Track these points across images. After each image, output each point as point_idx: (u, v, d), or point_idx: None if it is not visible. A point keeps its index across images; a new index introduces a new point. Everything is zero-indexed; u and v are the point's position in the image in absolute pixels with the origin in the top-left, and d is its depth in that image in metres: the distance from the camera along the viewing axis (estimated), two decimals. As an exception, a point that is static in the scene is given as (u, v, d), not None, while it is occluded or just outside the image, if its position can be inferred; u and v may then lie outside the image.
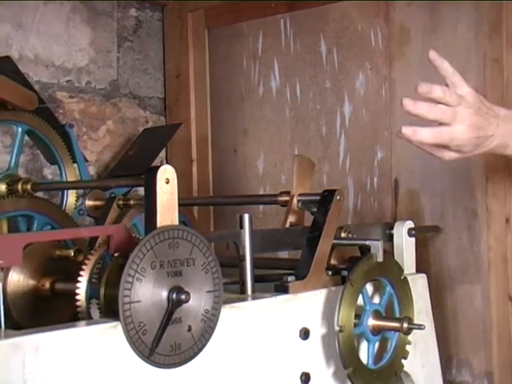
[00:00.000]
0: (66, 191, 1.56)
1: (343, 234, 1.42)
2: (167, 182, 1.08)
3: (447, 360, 1.72)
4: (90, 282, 1.13)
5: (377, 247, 1.36)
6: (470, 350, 1.76)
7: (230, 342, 1.16)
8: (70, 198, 1.57)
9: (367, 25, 1.93)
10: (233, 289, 1.25)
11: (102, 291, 1.08)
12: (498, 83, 1.71)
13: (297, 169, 1.47)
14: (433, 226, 1.78)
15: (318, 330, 1.30)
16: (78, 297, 1.13)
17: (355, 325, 1.32)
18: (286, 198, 1.46)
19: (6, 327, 0.98)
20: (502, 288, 1.71)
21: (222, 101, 2.21)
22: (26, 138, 1.59)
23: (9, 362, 0.91)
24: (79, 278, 1.13)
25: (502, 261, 1.71)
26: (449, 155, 1.30)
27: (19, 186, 1.46)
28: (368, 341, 1.36)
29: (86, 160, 1.82)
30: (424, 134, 1.23)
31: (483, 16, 1.74)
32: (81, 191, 1.60)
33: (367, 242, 1.39)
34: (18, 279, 1.25)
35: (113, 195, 1.58)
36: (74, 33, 2.12)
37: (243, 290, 1.25)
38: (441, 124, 1.24)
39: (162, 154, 2.29)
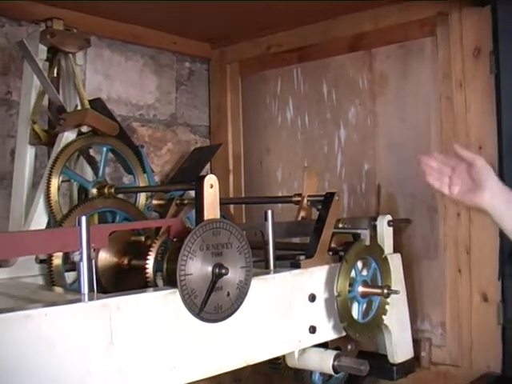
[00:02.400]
0: (138, 193, 1.56)
1: (340, 225, 1.41)
2: (211, 187, 1.08)
3: (414, 314, 1.71)
4: (156, 259, 1.13)
5: (365, 234, 1.35)
6: (430, 307, 1.76)
7: (257, 303, 1.15)
8: (142, 198, 1.57)
9: (356, 72, 1.92)
10: (259, 265, 1.24)
11: (165, 266, 1.08)
12: (450, 115, 1.71)
13: (306, 177, 1.46)
14: (405, 218, 1.77)
15: (322, 295, 1.29)
16: (147, 270, 1.13)
17: (349, 291, 1.31)
18: (298, 199, 1.44)
19: (97, 292, 0.98)
20: (454, 263, 1.70)
21: (251, 128, 2.20)
22: (110, 155, 1.59)
23: (99, 317, 0.92)
24: (148, 257, 1.13)
25: (453, 244, 1.71)
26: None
27: (106, 190, 1.46)
28: (358, 302, 1.35)
29: (153, 171, 1.81)
30: None
31: (439, 66, 1.73)
32: (149, 193, 1.60)
33: (358, 231, 1.38)
34: (105, 257, 1.26)
35: (172, 196, 1.57)
36: (145, 80, 2.12)
37: (267, 266, 1.24)
38: None
39: (207, 166, 2.29)
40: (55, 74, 1.52)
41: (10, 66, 1.74)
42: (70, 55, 1.51)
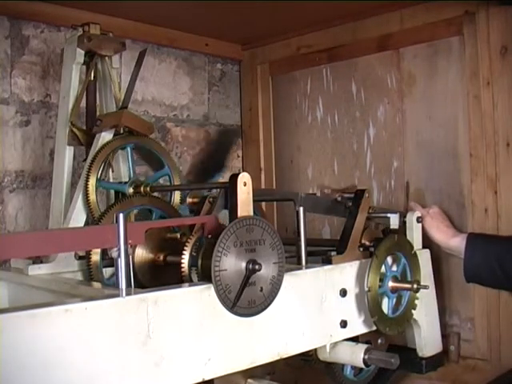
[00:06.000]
0: (173, 192, 1.56)
1: (371, 211, 1.41)
2: (245, 185, 1.08)
3: (443, 310, 1.69)
4: (191, 255, 1.13)
5: (394, 218, 1.36)
6: (459, 302, 1.73)
7: (290, 299, 1.15)
8: (176, 196, 1.57)
9: (385, 72, 1.90)
10: (292, 261, 1.24)
11: (200, 262, 1.08)
12: (478, 113, 1.68)
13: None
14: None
15: (352, 290, 1.29)
16: (182, 266, 1.13)
17: (379, 286, 1.31)
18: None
19: (134, 287, 0.98)
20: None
21: (281, 127, 2.20)
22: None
23: (137, 311, 0.92)
24: (183, 253, 1.13)
25: (482, 240, 1.68)
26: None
27: (142, 189, 1.46)
28: (388, 297, 1.34)
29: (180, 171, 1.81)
30: None
31: (466, 65, 1.70)
32: (183, 192, 1.60)
33: (388, 214, 1.39)
34: (141, 253, 1.26)
35: (206, 194, 1.57)
36: (179, 82, 2.12)
37: (299, 262, 1.24)
38: None
39: (240, 164, 2.29)
40: (92, 78, 1.53)
41: (49, 70, 1.76)
42: (107, 58, 1.52)
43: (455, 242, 1.55)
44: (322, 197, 1.45)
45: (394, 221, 1.42)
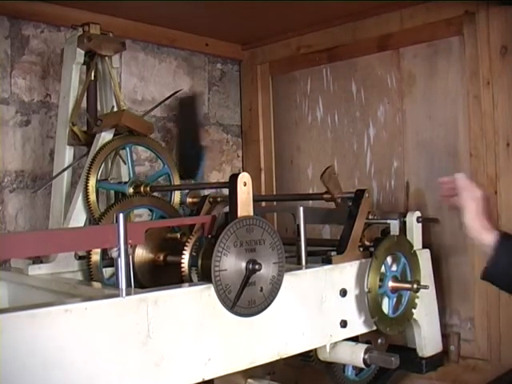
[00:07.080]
0: (173, 192, 1.56)
1: (370, 216, 1.40)
2: (245, 185, 1.08)
3: (443, 309, 1.69)
4: (191, 255, 1.14)
5: (395, 225, 1.37)
6: (459, 302, 1.73)
7: (290, 299, 1.15)
8: (176, 196, 1.57)
9: (385, 71, 1.90)
10: (292, 261, 1.24)
11: (200, 262, 1.08)
12: (478, 113, 1.68)
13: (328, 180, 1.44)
14: (434, 218, 1.74)
15: (352, 290, 1.29)
16: (182, 266, 1.13)
17: (379, 286, 1.31)
18: (329, 196, 1.43)
19: (134, 287, 0.98)
20: (482, 259, 1.66)
21: (282, 126, 2.20)
22: (147, 154, 1.59)
23: (137, 311, 0.93)
24: (183, 253, 1.14)
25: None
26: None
27: (142, 189, 1.46)
28: (388, 297, 1.34)
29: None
30: None
31: (466, 65, 1.70)
32: (183, 191, 1.59)
33: (388, 221, 1.39)
34: (141, 253, 1.27)
35: (205, 194, 1.57)
36: (179, 82, 2.12)
37: (299, 262, 1.24)
38: None
39: (240, 164, 2.29)
40: (92, 77, 1.53)
41: (49, 70, 1.76)
42: (107, 58, 1.52)
43: (487, 238, 1.44)
44: (321, 208, 1.44)
45: (394, 227, 1.42)
